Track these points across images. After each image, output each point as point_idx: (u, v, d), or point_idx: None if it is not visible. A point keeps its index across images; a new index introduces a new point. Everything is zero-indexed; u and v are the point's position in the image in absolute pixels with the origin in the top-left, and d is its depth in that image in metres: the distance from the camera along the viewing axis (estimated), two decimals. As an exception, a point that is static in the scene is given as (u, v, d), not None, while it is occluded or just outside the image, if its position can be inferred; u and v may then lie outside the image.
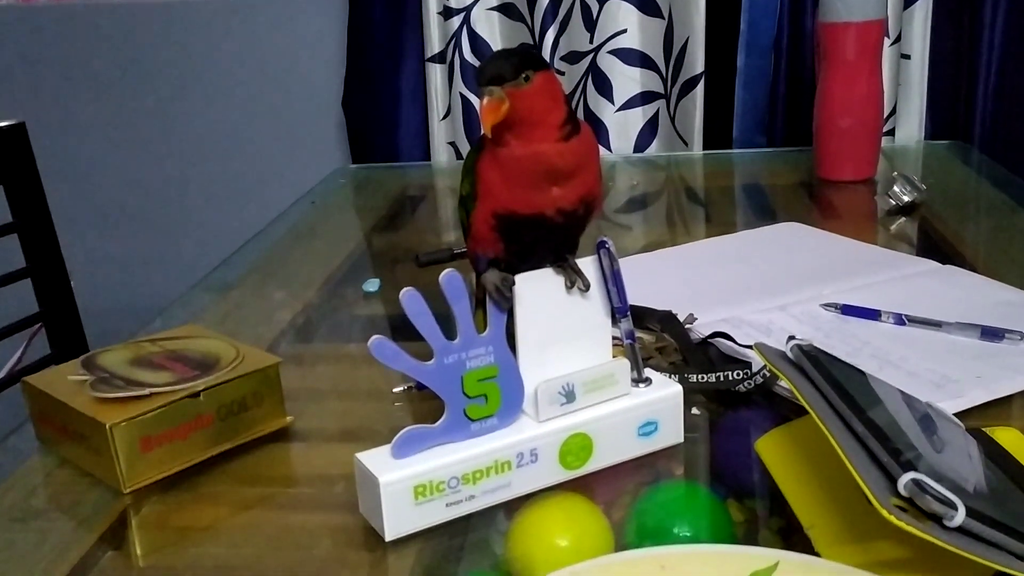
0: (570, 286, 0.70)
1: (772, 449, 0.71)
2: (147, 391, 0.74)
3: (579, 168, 0.66)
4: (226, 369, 0.78)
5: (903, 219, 1.27)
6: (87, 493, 0.74)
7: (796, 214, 1.29)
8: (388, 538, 0.65)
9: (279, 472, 0.79)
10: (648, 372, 0.75)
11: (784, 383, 0.65)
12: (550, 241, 0.68)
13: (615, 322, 0.73)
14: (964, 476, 0.57)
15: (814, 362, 0.65)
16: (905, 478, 0.51)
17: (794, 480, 0.67)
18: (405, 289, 0.64)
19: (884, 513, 0.50)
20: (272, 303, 1.12)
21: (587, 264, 0.71)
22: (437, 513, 0.66)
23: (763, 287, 1.03)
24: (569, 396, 0.70)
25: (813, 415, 0.59)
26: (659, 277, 1.08)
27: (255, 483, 0.76)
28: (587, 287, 0.70)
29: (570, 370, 0.70)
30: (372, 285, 1.12)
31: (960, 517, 0.49)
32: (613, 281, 0.71)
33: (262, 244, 1.35)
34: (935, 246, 1.16)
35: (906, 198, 1.28)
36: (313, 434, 0.83)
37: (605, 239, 0.71)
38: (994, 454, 0.67)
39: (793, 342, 0.68)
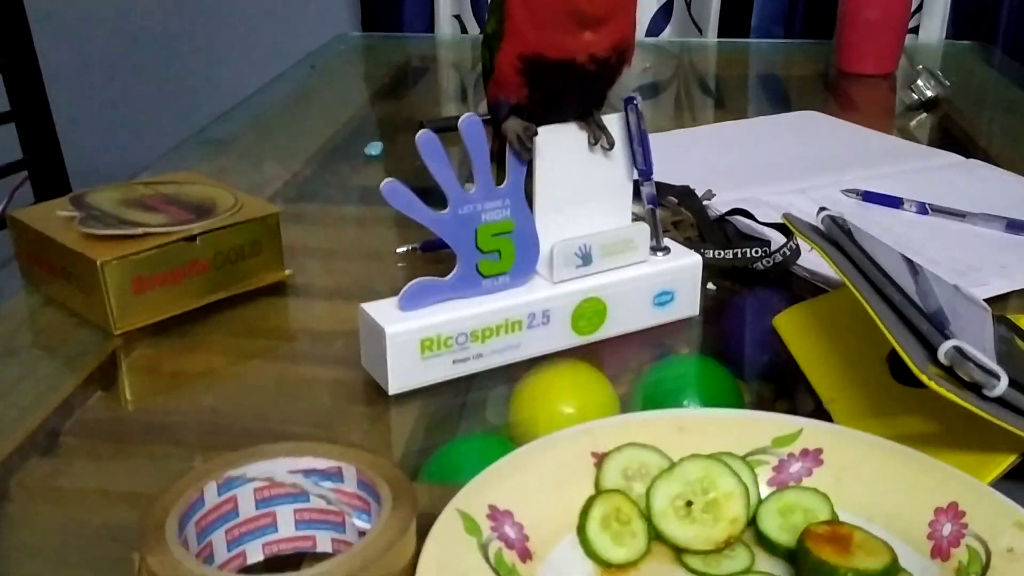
0: (594, 143, 0.66)
1: (791, 325, 0.69)
2: (140, 231, 0.70)
3: (614, 12, 0.61)
4: (224, 215, 0.74)
5: (924, 114, 1.23)
6: (75, 332, 0.71)
7: (814, 105, 1.24)
8: (391, 392, 0.62)
9: (276, 325, 0.76)
10: (667, 241, 0.72)
11: (815, 252, 0.62)
12: (577, 91, 0.64)
13: (638, 187, 0.69)
14: (992, 356, 0.55)
15: (847, 234, 0.62)
16: (947, 345, 0.48)
17: (813, 356, 0.65)
18: (422, 131, 0.60)
19: (924, 379, 0.48)
20: (270, 161, 1.08)
21: (612, 121, 0.67)
22: (443, 369, 0.64)
23: (781, 171, 0.99)
24: (586, 259, 0.67)
25: (847, 283, 0.57)
26: (672, 157, 1.03)
27: (252, 335, 0.73)
28: (611, 145, 0.66)
29: (588, 231, 0.67)
30: (375, 148, 1.07)
31: (1002, 387, 0.47)
32: (639, 141, 0.67)
33: (259, 104, 1.30)
34: (957, 142, 1.12)
35: (929, 92, 1.24)
36: (312, 290, 0.80)
37: (634, 95, 0.67)
38: (1021, 338, 0.65)
39: (824, 213, 0.64)
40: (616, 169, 0.68)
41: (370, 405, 0.64)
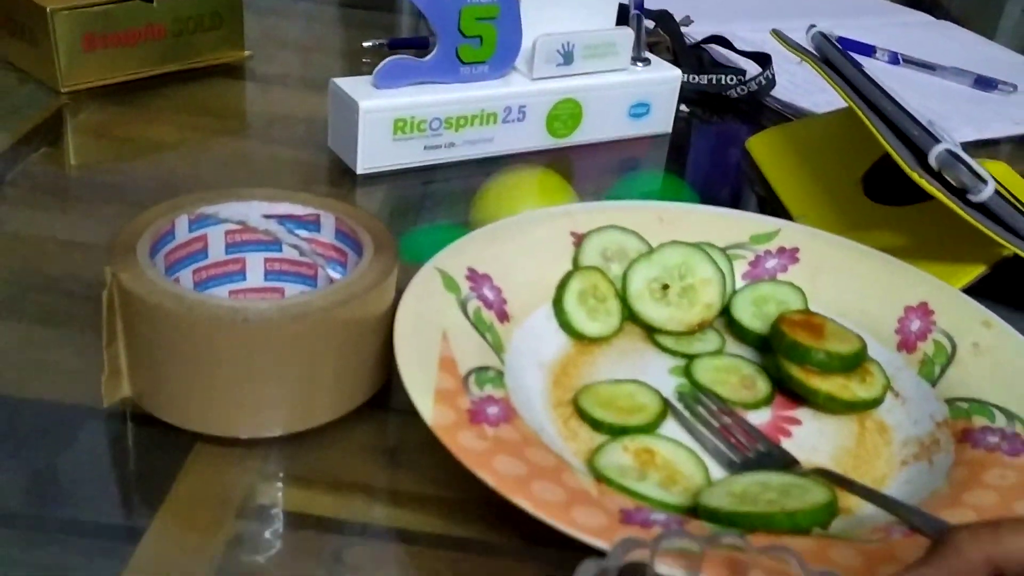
0: (588, -67, 0.63)
1: (763, 148, 0.68)
2: (95, -17, 0.66)
3: None
4: (184, -19, 0.70)
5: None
6: (19, 88, 0.67)
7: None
8: (360, 170, 0.60)
9: (234, 105, 0.72)
10: (648, 54, 0.70)
11: (790, 80, 0.61)
12: None
13: (625, -12, 0.67)
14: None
15: (838, 49, 0.61)
16: (939, 148, 0.48)
17: (786, 177, 0.65)
18: None
19: (915, 177, 0.48)
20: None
21: (608, -86, 0.64)
22: (414, 154, 0.62)
23: (758, 11, 0.97)
24: (567, 57, 0.65)
25: (837, 90, 0.56)
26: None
27: (207, 112, 0.70)
28: (605, -61, 0.64)
29: (572, 30, 0.65)
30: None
31: (988, 191, 0.47)
32: (634, -63, 0.65)
33: None
34: (930, 7, 1.11)
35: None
36: (272, 76, 0.76)
37: None
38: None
39: (815, 30, 0.63)
40: (607, -34, 0.65)
41: (335, 186, 0.61)
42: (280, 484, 0.39)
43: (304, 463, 0.40)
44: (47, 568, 0.34)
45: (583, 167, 0.68)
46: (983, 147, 0.76)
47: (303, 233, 0.45)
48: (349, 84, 0.60)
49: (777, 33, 0.64)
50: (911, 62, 0.88)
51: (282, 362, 0.38)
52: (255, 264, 0.46)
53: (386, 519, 0.39)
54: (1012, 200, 0.49)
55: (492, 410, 0.38)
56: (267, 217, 0.45)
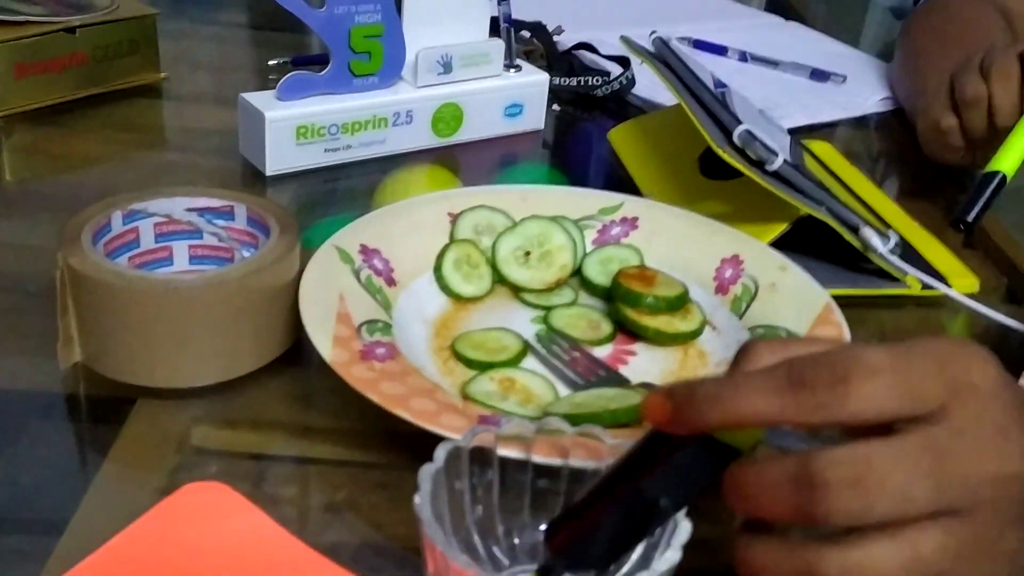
0: (457, -40, 0.73)
1: (622, 138, 0.79)
2: (22, 18, 0.73)
3: None
4: (101, 12, 0.78)
5: (756, -15, 1.35)
6: (-45, 115, 0.74)
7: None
8: (269, 172, 0.69)
9: (153, 122, 0.81)
10: (520, 60, 0.80)
11: (648, 80, 0.72)
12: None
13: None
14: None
15: (673, 52, 0.72)
16: (740, 128, 0.60)
17: (639, 162, 0.75)
18: (302, -70, 0.65)
19: (720, 152, 0.59)
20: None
21: (475, -58, 0.74)
22: (316, 156, 0.71)
23: (622, 19, 1.08)
24: (446, 67, 0.75)
25: (668, 87, 0.67)
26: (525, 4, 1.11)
27: (130, 129, 0.78)
28: (473, -36, 0.74)
29: (449, 43, 0.75)
30: (242, -26, 1.10)
31: (779, 162, 0.58)
32: (498, -39, 0.75)
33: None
34: (782, 9, 1.24)
35: (761, -35, 1.35)
36: (187, 96, 0.85)
37: (495, -82, 0.74)
38: (810, 155, 0.77)
39: (655, 35, 0.74)
40: (476, -13, 0.75)
41: (248, 187, 0.70)
42: (211, 426, 0.48)
43: (231, 408, 0.49)
44: (15, 497, 0.43)
45: (467, 162, 0.78)
46: (815, 130, 0.88)
47: (220, 222, 0.54)
48: (256, 98, 0.69)
49: (625, 39, 0.75)
50: (757, 59, 1.00)
51: (208, 324, 0.47)
52: (181, 251, 0.55)
53: (299, 450, 0.48)
54: (803, 171, 0.60)
55: (380, 351, 0.48)
56: (189, 210, 0.54)
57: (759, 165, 0.59)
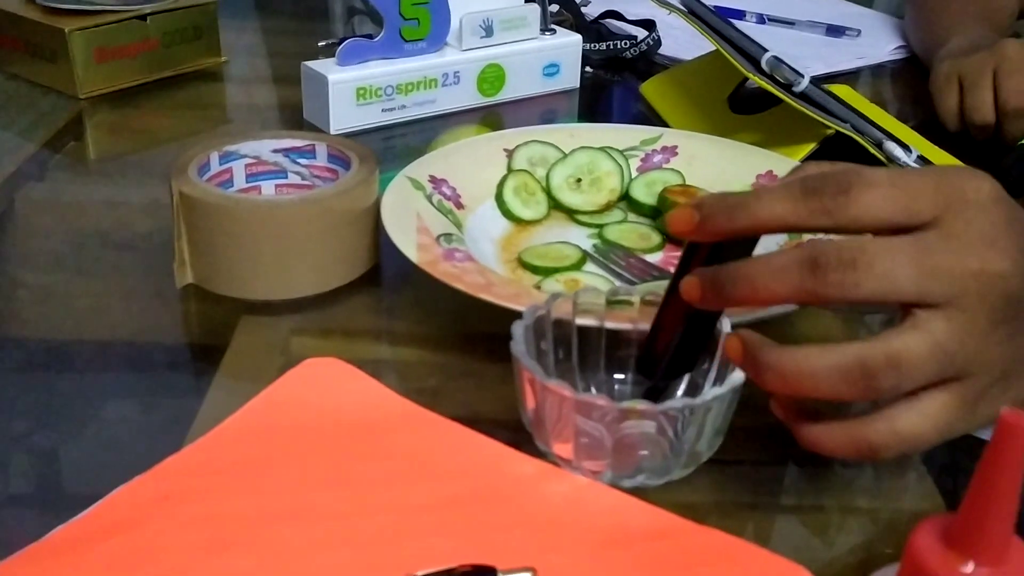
0: (494, -69, 0.79)
1: (655, 90, 0.85)
2: (98, 6, 0.80)
3: None
4: (168, 0, 0.84)
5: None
6: (42, 99, 0.81)
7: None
8: (333, 131, 0.76)
9: (218, 101, 0.87)
10: (553, 26, 0.86)
11: (676, 19, 0.78)
12: None
13: None
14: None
15: (699, 3, 0.78)
16: (768, 55, 0.65)
17: (671, 108, 0.81)
18: (355, -93, 0.72)
19: (751, 76, 0.64)
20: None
21: (509, -86, 0.80)
22: (375, 115, 0.77)
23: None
24: (488, 31, 0.81)
25: (696, 27, 0.72)
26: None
27: (198, 107, 0.85)
28: (508, -66, 0.80)
29: (490, 8, 0.81)
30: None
31: (805, 82, 0.64)
32: (531, -70, 0.81)
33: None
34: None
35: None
36: (246, 77, 0.91)
37: None
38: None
39: (681, -12, 0.80)
40: (512, -44, 0.82)
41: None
42: (309, 336, 0.54)
43: (325, 319, 0.55)
44: (145, 401, 0.49)
45: (511, 119, 0.83)
46: (834, 78, 0.94)
47: (303, 161, 0.60)
48: (318, 64, 0.75)
49: (652, -6, 0.81)
50: (775, 20, 1.05)
51: (304, 240, 0.53)
52: (268, 190, 0.61)
53: (388, 354, 0.54)
54: (827, 92, 0.66)
55: (459, 255, 0.53)
56: (275, 151, 0.60)
57: (787, 88, 0.65)
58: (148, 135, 0.79)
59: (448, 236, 0.56)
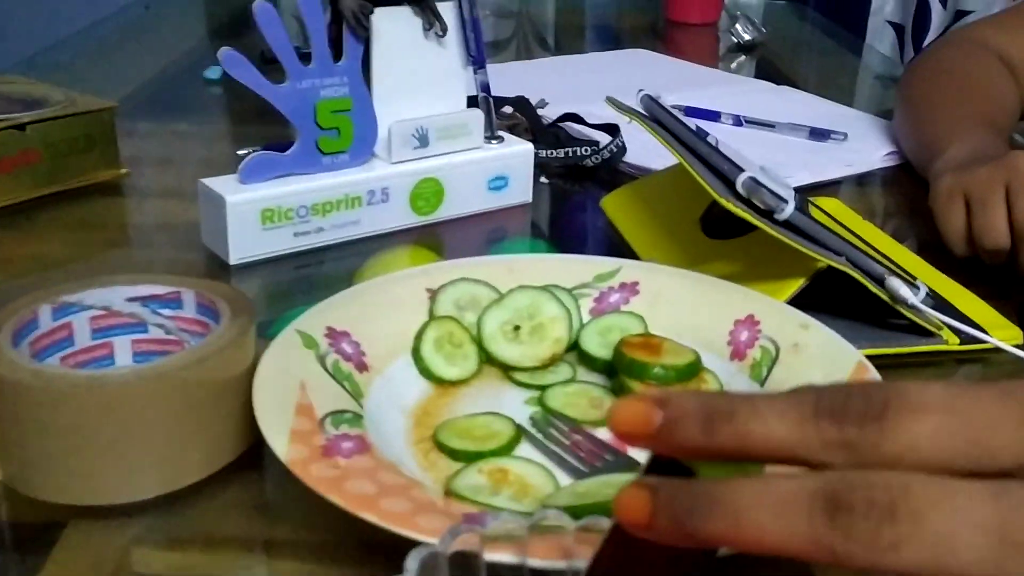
0: (428, 28, 0.69)
1: (616, 205, 0.74)
2: (-34, 117, 0.69)
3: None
4: (55, 107, 0.73)
5: (743, 57, 1.32)
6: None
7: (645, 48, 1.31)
8: (232, 261, 0.64)
9: (114, 220, 0.75)
10: (501, 132, 0.76)
11: (637, 127, 0.67)
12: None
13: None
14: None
15: (663, 107, 0.67)
16: (743, 176, 0.54)
17: (636, 228, 0.70)
18: (258, 1, 0.61)
19: (723, 202, 0.53)
20: (104, 84, 1.06)
21: (446, 9, 0.70)
22: (284, 241, 0.65)
23: (610, 92, 1.04)
24: (422, 140, 0.70)
25: (661, 142, 0.62)
26: (510, 82, 1.08)
27: (90, 228, 0.73)
28: (444, 31, 0.69)
29: (424, 115, 0.70)
30: (214, 72, 1.07)
31: (790, 209, 0.53)
32: (471, 28, 0.71)
33: (91, 37, 1.27)
34: (772, 77, 1.21)
35: (747, 36, 1.33)
36: (149, 190, 0.80)
37: (465, -17, 0.70)
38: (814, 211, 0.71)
39: (643, 92, 0.69)
40: (450, 56, 0.71)
41: (212, 279, 0.64)
42: (155, 547, 0.41)
43: (178, 523, 0.42)
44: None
45: (452, 240, 0.72)
46: (820, 188, 0.83)
47: (166, 312, 0.48)
48: (216, 182, 0.64)
49: (611, 99, 0.70)
50: (753, 122, 0.95)
51: (145, 425, 0.41)
52: (123, 347, 0.49)
53: (262, 571, 0.41)
54: (816, 220, 0.54)
55: (346, 444, 0.41)
56: (130, 300, 0.48)
57: (768, 215, 0.53)
58: (26, 264, 0.66)
59: (338, 416, 0.43)
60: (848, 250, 0.54)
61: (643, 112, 0.69)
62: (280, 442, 0.39)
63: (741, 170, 0.54)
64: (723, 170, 0.56)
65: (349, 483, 0.38)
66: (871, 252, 0.57)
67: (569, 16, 1.61)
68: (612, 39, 1.45)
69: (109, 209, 0.76)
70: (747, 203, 0.54)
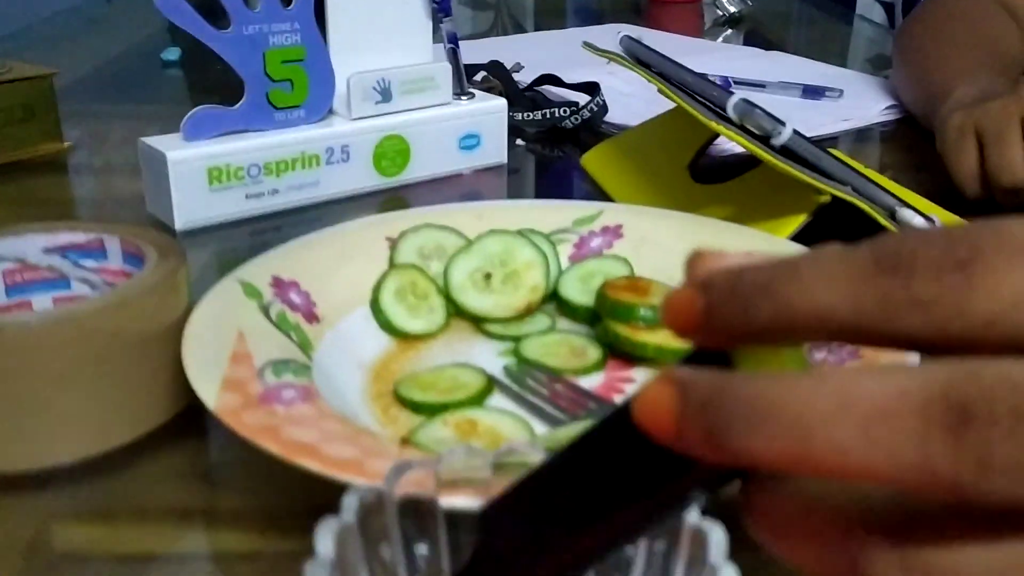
0: (387, -28, 0.64)
1: (598, 162, 0.68)
2: None
3: None
4: (-11, 75, 0.68)
5: (730, 30, 1.28)
6: None
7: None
8: (178, 227, 0.58)
9: (56, 195, 0.70)
10: (471, 89, 0.70)
11: (618, 66, 0.62)
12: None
13: (436, 24, 0.67)
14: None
15: (643, 47, 0.62)
16: (735, 98, 0.49)
17: (621, 182, 0.64)
18: (196, -61, 0.56)
19: (714, 126, 0.48)
20: (61, 68, 1.00)
21: (407, -48, 0.65)
22: (235, 204, 0.60)
23: (590, 59, 0.99)
24: (385, 94, 0.64)
25: (643, 75, 0.56)
26: (484, 53, 1.03)
27: (30, 204, 0.67)
28: (406, -24, 0.64)
29: (386, 67, 0.64)
30: (172, 53, 1.02)
31: (788, 132, 0.47)
32: (435, -29, 0.65)
33: (51, 26, 1.21)
34: (761, 47, 1.16)
35: (732, 8, 1.28)
36: (95, 167, 0.74)
37: (426, -76, 0.65)
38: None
39: (622, 34, 0.64)
40: (413, 3, 0.66)
41: (157, 249, 0.59)
42: (77, 521, 0.35)
43: (104, 493, 0.37)
44: None
45: (421, 203, 0.66)
46: (817, 143, 0.78)
47: (90, 263, 0.43)
48: (157, 140, 0.58)
49: (587, 44, 0.65)
50: (741, 83, 0.90)
51: (56, 380, 0.35)
52: (43, 305, 0.43)
53: (202, 544, 0.35)
54: (818, 145, 0.49)
55: (288, 393, 0.35)
56: (48, 251, 0.42)
57: (764, 141, 0.48)
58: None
59: (281, 365, 0.37)
60: (855, 179, 0.49)
61: (622, 54, 0.64)
62: (209, 390, 0.34)
63: (731, 94, 0.49)
64: (712, 97, 0.50)
65: (287, 430, 0.32)
66: (880, 183, 0.51)
67: (548, 1, 1.57)
68: (594, 19, 1.40)
69: (51, 184, 0.70)
70: (741, 130, 0.49)
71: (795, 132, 0.47)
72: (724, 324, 0.20)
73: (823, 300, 0.19)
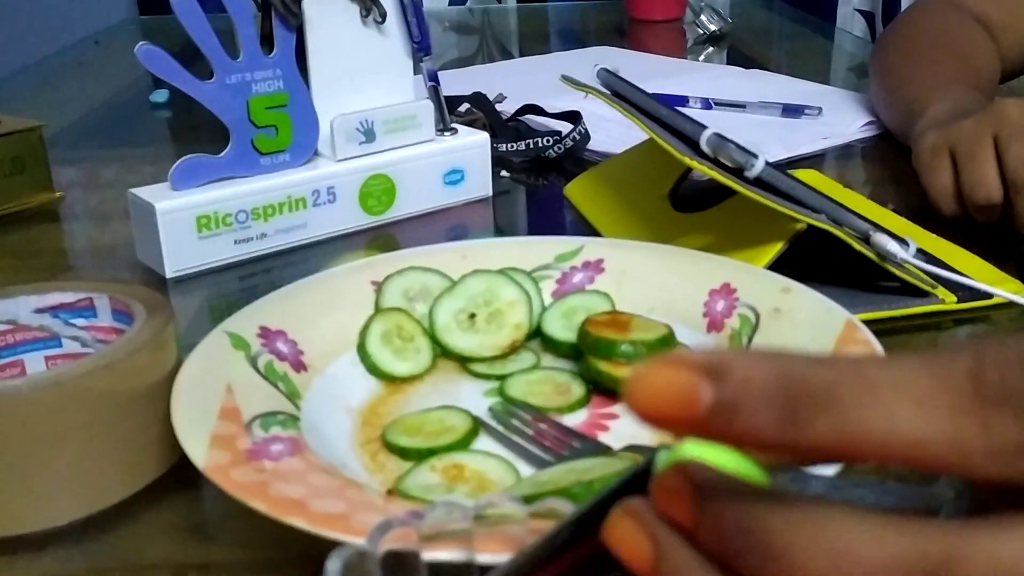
0: (365, 15, 0.65)
1: (580, 191, 0.69)
2: None
3: None
4: (-22, 130, 0.69)
5: (711, 48, 1.29)
6: None
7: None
8: (168, 274, 0.59)
9: (50, 246, 0.71)
10: (454, 124, 0.71)
11: (596, 100, 0.63)
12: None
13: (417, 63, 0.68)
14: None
15: (619, 79, 0.63)
16: (707, 132, 0.50)
17: (603, 212, 0.65)
18: (177, -7, 0.57)
19: (687, 161, 0.48)
20: (49, 113, 1.01)
21: (385, -6, 0.66)
22: (224, 250, 0.61)
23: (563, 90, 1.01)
24: (368, 134, 0.65)
25: (620, 110, 0.57)
26: (465, 86, 1.04)
27: (24, 256, 0.68)
28: (383, 18, 0.65)
29: (369, 107, 0.65)
30: (161, 95, 1.03)
31: (760, 164, 0.48)
32: (413, 12, 0.66)
33: (39, 71, 1.23)
34: (742, 64, 1.17)
35: (712, 27, 1.29)
36: (87, 214, 0.75)
37: (403, -34, 0.66)
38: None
39: (599, 67, 0.65)
40: (393, 44, 0.67)
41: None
42: (72, 580, 0.36)
43: (99, 551, 0.37)
44: None
45: (408, 240, 0.67)
46: (797, 163, 0.79)
47: (80, 322, 0.44)
48: (146, 191, 0.59)
49: (565, 77, 0.66)
50: (722, 104, 0.91)
51: (47, 441, 0.36)
52: (36, 365, 0.44)
53: (195, 597, 0.36)
54: (792, 176, 0.50)
55: (276, 447, 0.36)
56: (39, 312, 0.43)
57: (738, 174, 0.49)
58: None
59: (269, 418, 0.38)
60: (828, 207, 0.50)
61: (600, 88, 0.65)
62: (198, 448, 0.35)
63: (704, 128, 0.50)
64: (686, 131, 0.51)
65: (275, 487, 0.33)
66: (854, 209, 0.52)
67: (532, 23, 1.58)
68: (576, 41, 1.41)
69: (44, 235, 0.71)
70: (715, 164, 0.50)
71: (767, 164, 0.48)
72: (749, 431, 0.17)
73: (911, 429, 0.16)
